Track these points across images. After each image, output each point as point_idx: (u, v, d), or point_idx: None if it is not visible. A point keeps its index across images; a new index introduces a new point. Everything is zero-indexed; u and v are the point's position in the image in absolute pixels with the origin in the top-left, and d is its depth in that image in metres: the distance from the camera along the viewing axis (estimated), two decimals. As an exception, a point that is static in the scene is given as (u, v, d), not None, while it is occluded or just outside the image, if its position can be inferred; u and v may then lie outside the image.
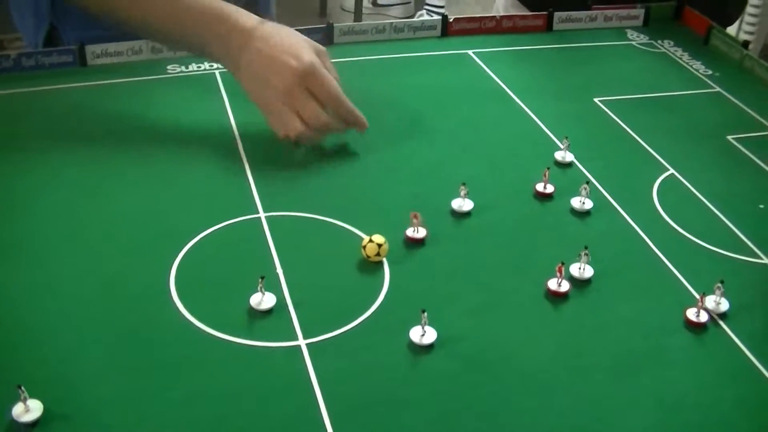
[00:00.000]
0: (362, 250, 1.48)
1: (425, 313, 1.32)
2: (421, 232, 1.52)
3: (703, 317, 1.42)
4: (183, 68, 2.20)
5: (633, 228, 1.64)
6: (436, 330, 1.38)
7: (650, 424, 1.28)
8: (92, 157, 1.84)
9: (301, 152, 1.71)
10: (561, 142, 1.82)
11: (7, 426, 1.15)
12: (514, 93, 2.11)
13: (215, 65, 2.20)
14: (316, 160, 1.82)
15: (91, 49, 2.11)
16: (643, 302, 1.52)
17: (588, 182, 1.65)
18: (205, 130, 1.95)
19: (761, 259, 1.56)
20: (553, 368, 1.36)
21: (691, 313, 1.43)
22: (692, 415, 1.28)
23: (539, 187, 1.68)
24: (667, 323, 1.47)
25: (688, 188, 1.75)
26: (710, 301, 1.41)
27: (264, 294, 1.34)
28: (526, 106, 2.05)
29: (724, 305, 1.43)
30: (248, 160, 1.79)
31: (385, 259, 1.50)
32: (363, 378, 1.30)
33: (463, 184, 1.60)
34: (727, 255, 1.59)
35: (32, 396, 1.23)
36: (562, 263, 1.45)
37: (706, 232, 1.64)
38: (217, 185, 1.74)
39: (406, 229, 1.57)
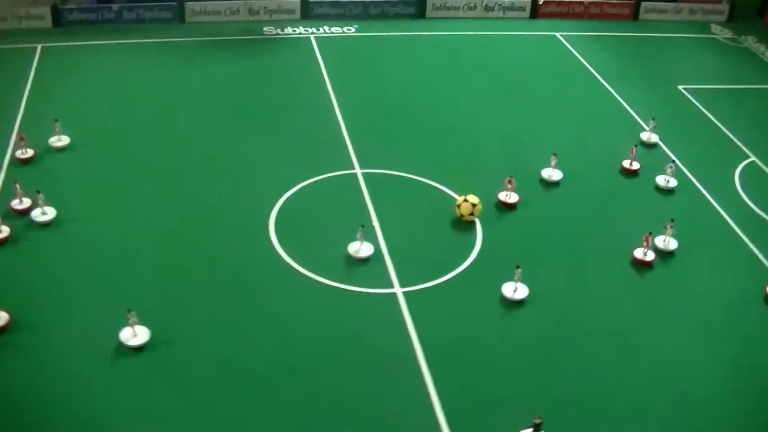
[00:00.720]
0: (456, 209, 1.53)
1: (519, 269, 1.36)
2: (513, 197, 1.56)
3: (782, 294, 1.45)
4: (279, 30, 2.26)
5: (715, 208, 1.67)
6: (528, 287, 1.42)
7: (727, 389, 1.33)
8: (193, 111, 1.90)
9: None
10: (647, 124, 1.85)
11: (115, 348, 1.21)
12: (600, 75, 2.14)
13: (311, 29, 2.25)
14: (411, 124, 1.85)
15: (191, 6, 2.17)
16: (724, 276, 1.56)
17: (674, 161, 1.68)
18: (302, 90, 2.00)
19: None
20: (636, 331, 1.41)
21: (770, 290, 1.47)
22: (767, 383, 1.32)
23: (626, 163, 1.71)
24: (746, 297, 1.51)
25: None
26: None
27: (362, 243, 1.39)
28: (612, 88, 2.08)
29: None
30: (344, 120, 1.84)
31: (477, 220, 1.54)
32: (456, 325, 1.35)
33: (554, 154, 1.63)
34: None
35: (140, 323, 1.29)
36: (650, 233, 1.49)
37: (787, 217, 1.67)
38: (315, 142, 1.79)
39: (498, 193, 1.60)
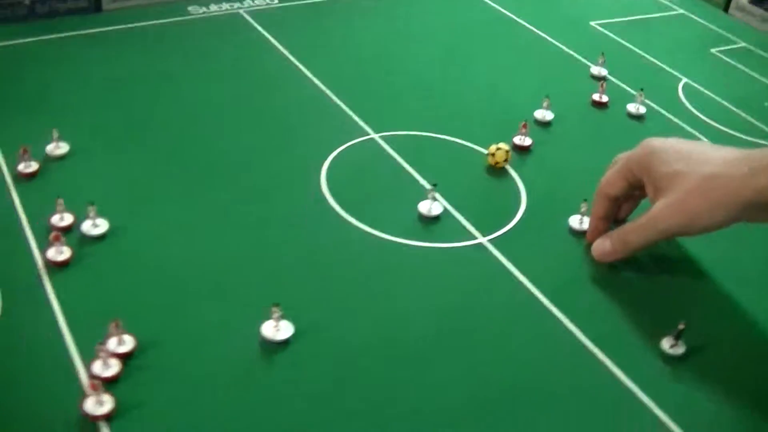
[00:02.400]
0: (490, 157, 1.61)
1: (586, 202, 1.47)
2: (527, 141, 1.66)
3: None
4: (205, 8, 2.19)
5: (680, 125, 1.87)
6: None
7: None
8: (162, 111, 1.82)
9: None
10: (598, 61, 2.01)
11: (260, 344, 1.19)
12: (529, 24, 2.29)
13: (235, 4, 2.20)
14: (394, 85, 1.90)
15: (107, -6, 2.05)
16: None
17: (642, 90, 1.86)
18: (267, 69, 1.97)
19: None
20: None
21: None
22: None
23: (596, 97, 1.86)
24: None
25: (703, 91, 2.00)
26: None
27: (434, 201, 1.44)
28: (546, 35, 2.23)
29: None
30: (330, 90, 1.84)
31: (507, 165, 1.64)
32: (553, 261, 1.44)
33: (547, 96, 1.75)
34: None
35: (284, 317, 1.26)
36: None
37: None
38: (314, 117, 1.79)
39: (513, 137, 1.70)
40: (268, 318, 1.21)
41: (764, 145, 1.79)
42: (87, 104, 1.70)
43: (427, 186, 1.51)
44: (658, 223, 1.16)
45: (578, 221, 1.49)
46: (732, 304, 1.36)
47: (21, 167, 1.47)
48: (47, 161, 1.50)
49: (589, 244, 1.43)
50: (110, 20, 2.01)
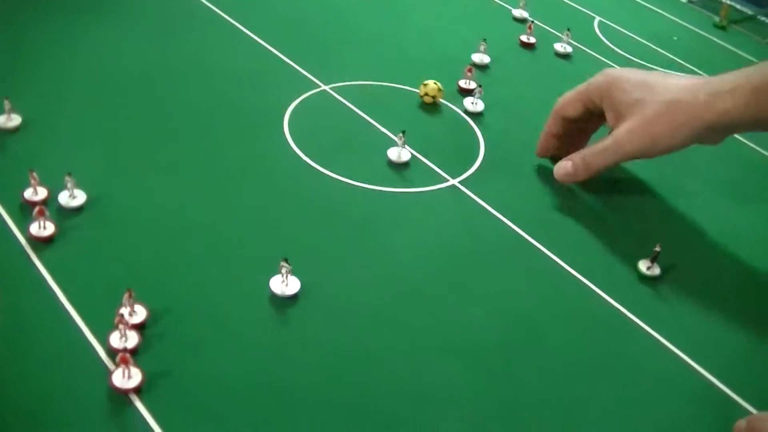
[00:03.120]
0: (422, 87, 1.65)
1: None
2: (472, 84, 1.72)
3: None
4: None
5: (604, 61, 1.97)
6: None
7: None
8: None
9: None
10: (519, 3, 2.08)
11: (269, 298, 1.22)
12: None
13: None
14: (332, 36, 1.90)
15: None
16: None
17: (568, 29, 1.94)
18: (207, 33, 1.93)
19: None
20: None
21: None
22: None
23: (524, 38, 1.94)
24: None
25: (617, 27, 2.11)
26: None
27: (403, 148, 1.48)
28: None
29: None
30: (272, 46, 1.84)
31: (445, 102, 1.68)
32: (524, 195, 1.50)
33: (484, 40, 1.82)
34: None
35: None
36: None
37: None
38: (262, 73, 1.77)
39: (458, 81, 1.76)
40: (275, 273, 1.22)
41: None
42: (25, 71, 1.63)
43: (391, 135, 1.53)
44: (623, 146, 1.25)
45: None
46: (691, 222, 1.50)
47: (-30, 139, 1.40)
48: (1, 134, 1.44)
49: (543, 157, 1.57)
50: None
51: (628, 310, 1.24)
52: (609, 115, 1.28)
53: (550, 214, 1.40)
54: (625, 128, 1.23)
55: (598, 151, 1.30)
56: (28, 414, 1.01)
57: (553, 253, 1.31)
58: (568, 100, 1.36)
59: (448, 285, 1.24)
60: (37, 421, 1.01)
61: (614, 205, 1.44)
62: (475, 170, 1.48)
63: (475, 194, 1.41)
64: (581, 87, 1.34)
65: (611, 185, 1.47)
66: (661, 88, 1.19)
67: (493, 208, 1.39)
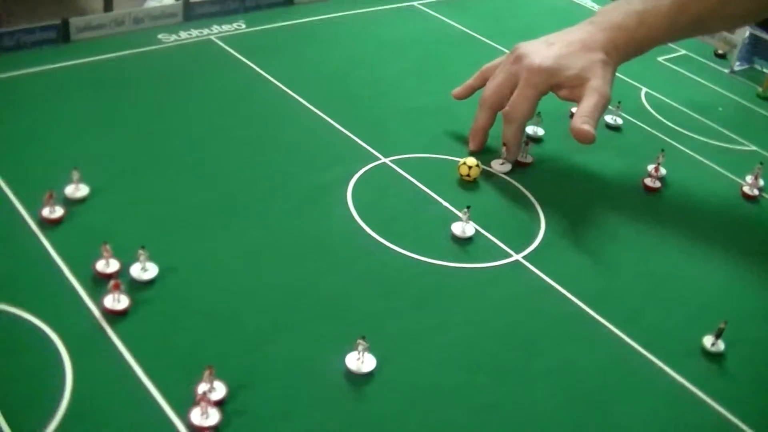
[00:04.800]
0: (466, 175, 1.66)
1: None
2: (528, 158, 1.74)
3: None
4: (176, 36, 2.16)
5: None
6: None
7: None
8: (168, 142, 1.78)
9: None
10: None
11: (344, 374, 1.22)
12: (478, 34, 2.37)
13: (206, 30, 2.19)
14: (382, 108, 1.92)
15: (75, 23, 2.00)
16: None
17: (620, 102, 1.96)
18: (255, 97, 1.95)
19: None
20: None
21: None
22: None
23: (575, 110, 1.96)
24: None
25: (662, 98, 2.14)
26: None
27: (467, 223, 1.50)
28: (494, 42, 2.32)
29: None
30: (326, 115, 1.86)
31: (503, 175, 1.70)
32: (586, 270, 1.51)
33: (538, 113, 1.83)
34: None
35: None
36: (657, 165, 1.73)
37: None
38: (319, 144, 1.79)
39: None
40: (345, 349, 1.22)
41: (742, 151, 1.93)
42: (92, 141, 1.65)
43: (453, 209, 1.55)
44: (606, 97, 1.57)
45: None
46: (753, 295, 1.52)
47: (45, 212, 1.42)
48: (68, 204, 1.46)
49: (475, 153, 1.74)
50: (80, 51, 1.95)
51: (693, 385, 1.24)
52: (563, 92, 1.59)
53: (611, 286, 1.41)
54: (596, 84, 1.55)
55: (596, 106, 1.55)
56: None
57: (615, 326, 1.32)
58: (502, 94, 1.63)
59: (512, 361, 1.25)
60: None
61: (678, 276, 1.45)
62: (538, 245, 1.49)
63: (538, 269, 1.42)
64: (529, 92, 1.59)
65: (675, 257, 1.51)
66: (586, 51, 1.56)
67: (555, 282, 1.40)
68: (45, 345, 1.19)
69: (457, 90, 1.74)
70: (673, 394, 1.26)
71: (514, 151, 1.64)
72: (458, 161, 1.66)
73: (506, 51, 2.18)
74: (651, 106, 2.04)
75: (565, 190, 1.67)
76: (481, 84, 1.67)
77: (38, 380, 1.15)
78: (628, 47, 1.58)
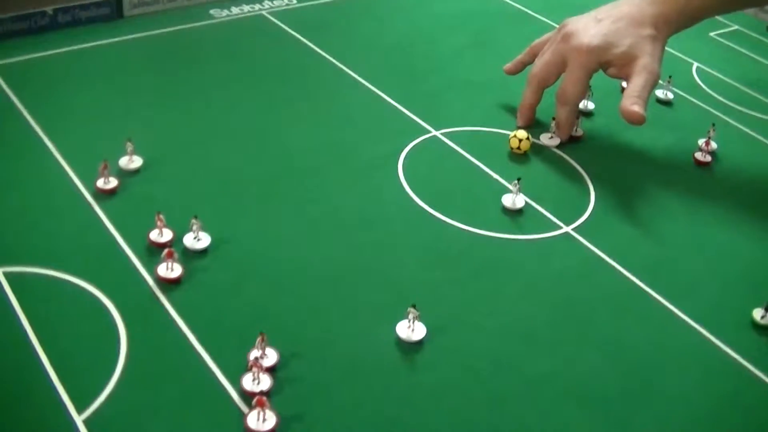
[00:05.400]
0: (516, 148, 1.65)
1: None
2: (579, 131, 1.72)
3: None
4: (228, 11, 2.18)
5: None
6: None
7: None
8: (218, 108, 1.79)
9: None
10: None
11: (395, 343, 1.22)
12: (543, 17, 2.34)
13: (258, 5, 2.19)
14: (435, 82, 1.91)
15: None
16: None
17: (670, 76, 1.93)
18: (309, 72, 1.95)
19: None
20: None
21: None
22: None
23: (624, 85, 1.94)
24: None
25: (714, 74, 2.10)
26: None
27: (518, 195, 1.49)
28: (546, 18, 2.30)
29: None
30: (376, 87, 1.86)
31: (554, 149, 1.69)
32: (637, 242, 1.49)
33: (589, 87, 1.81)
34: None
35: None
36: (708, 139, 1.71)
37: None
38: (369, 115, 1.79)
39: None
40: (397, 318, 1.23)
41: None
42: (144, 114, 1.67)
43: (503, 181, 1.54)
44: (656, 74, 1.57)
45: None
46: None
47: (100, 183, 1.44)
48: (123, 175, 1.48)
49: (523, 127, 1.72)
50: (134, 27, 1.98)
51: (742, 358, 1.23)
52: (612, 71, 1.59)
53: (662, 259, 1.40)
54: (645, 62, 1.53)
55: (644, 85, 1.53)
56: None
57: (665, 299, 1.31)
58: (549, 72, 1.64)
59: (565, 332, 1.25)
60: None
61: (729, 251, 1.44)
62: (587, 217, 1.48)
63: (588, 241, 1.41)
64: (580, 73, 1.59)
65: (726, 232, 1.52)
66: (635, 26, 1.55)
67: (606, 254, 1.39)
68: (100, 313, 1.21)
69: (509, 65, 1.75)
70: (722, 366, 1.26)
71: (567, 131, 1.64)
72: (508, 134, 1.66)
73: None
74: (702, 81, 2.02)
75: (615, 164, 1.66)
76: (531, 59, 1.67)
77: (93, 347, 1.18)
78: (678, 19, 1.55)
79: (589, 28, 1.53)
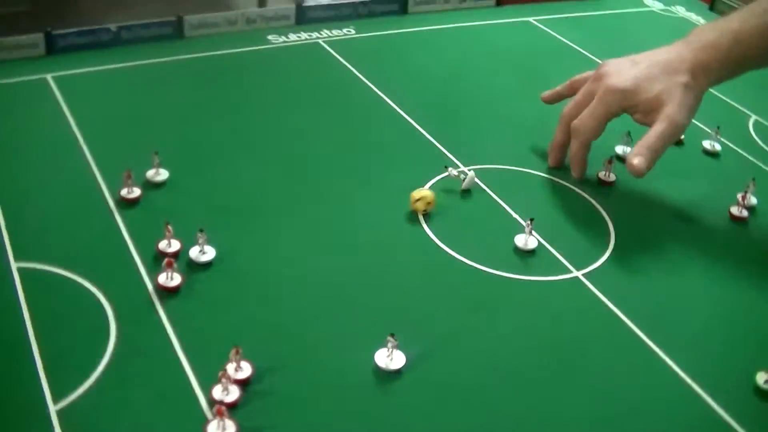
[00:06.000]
0: (415, 202, 1.61)
1: None
2: (611, 176, 1.69)
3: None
4: (285, 37, 2.25)
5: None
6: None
7: None
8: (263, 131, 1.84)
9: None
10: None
11: (373, 370, 1.21)
12: (588, 53, 2.33)
13: (316, 33, 2.26)
14: (474, 118, 1.91)
15: (189, 21, 2.10)
16: None
17: (719, 127, 1.88)
18: (350, 99, 2.00)
19: None
20: None
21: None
22: None
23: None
24: None
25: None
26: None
27: (530, 236, 1.46)
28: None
29: None
30: (414, 119, 1.88)
31: (582, 193, 1.66)
32: (647, 294, 1.45)
33: (628, 133, 1.77)
34: None
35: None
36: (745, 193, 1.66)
37: None
38: (401, 146, 1.81)
39: (598, 173, 1.72)
40: (382, 346, 1.23)
41: None
42: (182, 130, 1.74)
43: (521, 221, 1.53)
44: (679, 125, 1.49)
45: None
46: None
47: (124, 192, 1.50)
48: (147, 187, 1.53)
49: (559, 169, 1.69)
50: (191, 47, 2.06)
51: (739, 425, 1.18)
52: (637, 117, 1.53)
53: (669, 310, 1.36)
54: (670, 111, 1.46)
55: (660, 137, 1.47)
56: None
57: (666, 354, 1.28)
58: (595, 127, 1.58)
59: (551, 373, 1.23)
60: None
61: (744, 309, 1.39)
62: (601, 263, 1.46)
63: (597, 288, 1.39)
64: (599, 110, 1.53)
65: (747, 291, 1.47)
66: (669, 73, 1.47)
67: (612, 303, 1.36)
68: (96, 311, 1.28)
69: (546, 93, 1.73)
70: (716, 430, 1.22)
71: (577, 167, 1.59)
72: (540, 175, 1.66)
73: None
74: (758, 136, 1.96)
75: (643, 212, 1.63)
76: (569, 93, 1.65)
77: (84, 343, 1.23)
78: (720, 68, 1.48)
79: (623, 71, 1.49)
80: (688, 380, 1.26)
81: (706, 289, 1.44)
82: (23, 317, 1.25)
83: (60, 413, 1.11)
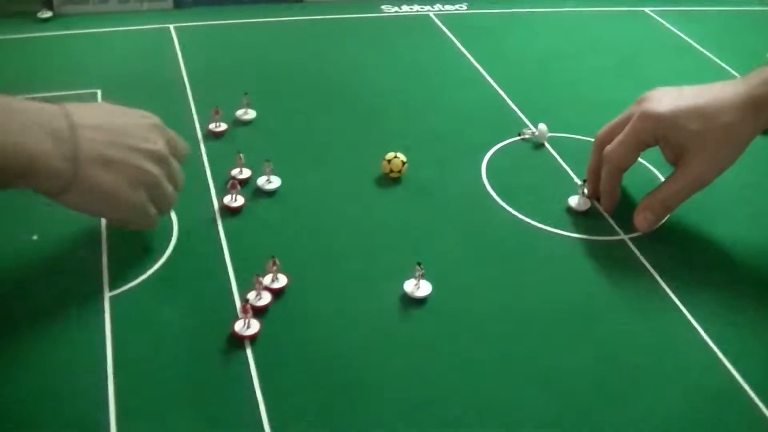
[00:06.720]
0: (389, 172, 1.61)
1: None
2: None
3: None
4: (397, 8, 2.35)
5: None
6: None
7: None
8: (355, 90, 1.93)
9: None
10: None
11: (400, 299, 1.26)
12: (705, 49, 2.29)
13: (428, 6, 2.35)
14: (562, 95, 1.93)
15: (304, -15, 2.23)
16: None
17: None
18: (449, 69, 2.07)
19: None
20: None
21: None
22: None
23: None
24: None
25: None
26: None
27: (583, 197, 1.48)
28: (723, 62, 2.23)
29: None
30: (502, 89, 1.92)
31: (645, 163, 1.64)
32: (691, 263, 1.44)
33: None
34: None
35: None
36: None
37: None
38: (482, 110, 1.87)
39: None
40: (411, 276, 1.31)
41: None
42: (278, 81, 1.88)
43: (578, 182, 1.57)
44: (702, 179, 1.32)
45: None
46: None
47: (211, 126, 1.64)
48: (235, 124, 1.67)
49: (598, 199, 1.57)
50: (307, 11, 2.21)
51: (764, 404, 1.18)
52: (666, 153, 1.37)
53: (710, 284, 1.36)
54: (696, 162, 1.29)
55: (676, 191, 1.36)
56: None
57: (698, 322, 1.28)
58: (624, 154, 1.44)
59: (570, 327, 1.29)
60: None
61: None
62: (653, 232, 1.48)
63: (641, 252, 1.41)
64: (630, 137, 1.41)
65: None
66: (712, 112, 1.26)
67: (653, 268, 1.38)
68: (164, 221, 1.42)
69: (591, 189, 1.58)
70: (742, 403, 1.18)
71: (607, 198, 1.46)
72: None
73: (727, 67, 2.12)
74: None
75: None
76: (601, 162, 1.55)
77: (146, 243, 1.39)
78: None
79: (665, 98, 1.38)
80: (719, 353, 1.26)
81: (757, 271, 1.43)
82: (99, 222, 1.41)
83: (112, 299, 1.25)
